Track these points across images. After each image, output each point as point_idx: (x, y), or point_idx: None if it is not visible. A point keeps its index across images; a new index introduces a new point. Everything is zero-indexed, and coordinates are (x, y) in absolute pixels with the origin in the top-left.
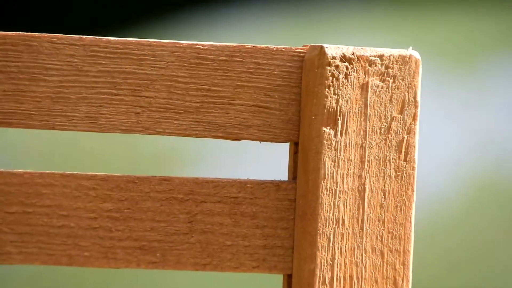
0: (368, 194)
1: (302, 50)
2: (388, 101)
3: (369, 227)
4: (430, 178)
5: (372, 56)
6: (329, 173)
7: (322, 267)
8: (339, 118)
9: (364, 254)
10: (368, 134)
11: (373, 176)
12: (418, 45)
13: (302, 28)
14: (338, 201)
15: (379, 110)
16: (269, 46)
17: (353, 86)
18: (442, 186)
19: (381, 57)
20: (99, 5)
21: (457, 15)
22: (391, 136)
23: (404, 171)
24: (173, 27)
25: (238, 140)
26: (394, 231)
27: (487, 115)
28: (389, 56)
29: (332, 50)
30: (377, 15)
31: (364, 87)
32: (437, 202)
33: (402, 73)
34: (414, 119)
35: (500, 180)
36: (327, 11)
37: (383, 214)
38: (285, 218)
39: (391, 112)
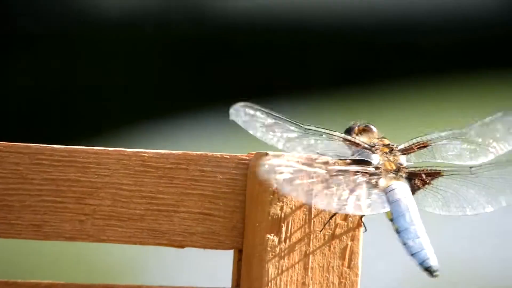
0: None
1: (247, 157)
2: None
3: None
4: None
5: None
6: (272, 281)
7: None
8: (283, 225)
9: None
10: (312, 240)
11: (316, 283)
12: None
13: (249, 136)
14: None
15: (323, 216)
16: (214, 153)
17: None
18: None
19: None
20: (46, 119)
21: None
22: (335, 242)
23: (348, 278)
24: (119, 137)
25: (182, 247)
26: None
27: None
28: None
29: (277, 157)
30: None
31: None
32: None
33: None
34: (358, 225)
35: None
36: None
37: None
38: None
39: (335, 218)
